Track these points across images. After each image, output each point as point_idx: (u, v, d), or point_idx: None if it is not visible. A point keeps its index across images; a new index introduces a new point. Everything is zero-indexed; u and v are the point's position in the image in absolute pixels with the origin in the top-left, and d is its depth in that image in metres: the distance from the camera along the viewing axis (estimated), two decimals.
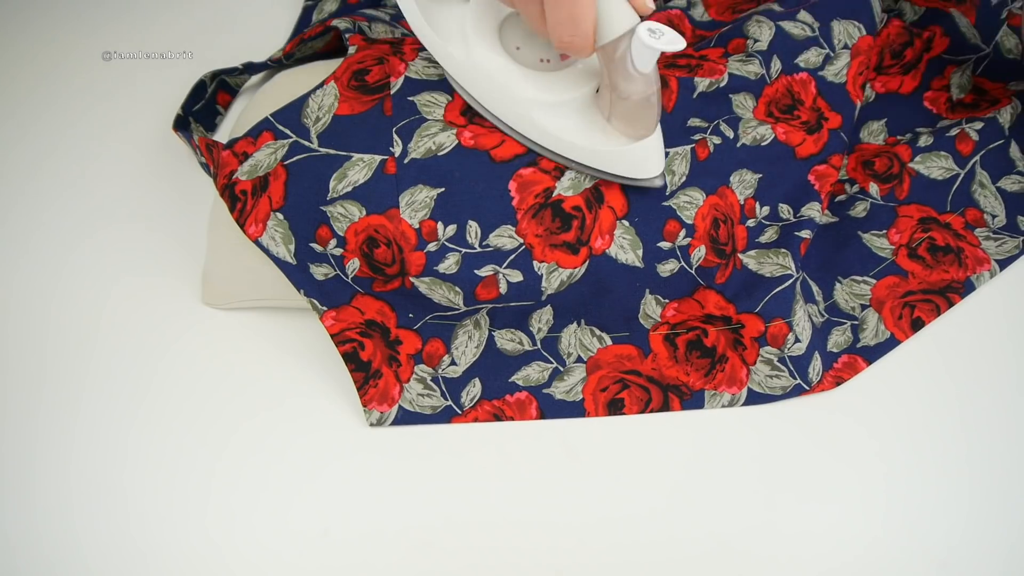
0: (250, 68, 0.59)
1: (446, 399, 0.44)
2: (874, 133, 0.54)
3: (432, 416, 0.44)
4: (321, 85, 0.44)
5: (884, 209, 0.50)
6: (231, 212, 0.44)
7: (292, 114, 0.44)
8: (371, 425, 0.44)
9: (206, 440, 0.43)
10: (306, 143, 0.43)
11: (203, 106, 0.57)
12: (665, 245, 0.44)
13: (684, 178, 0.44)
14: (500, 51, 0.41)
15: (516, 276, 0.43)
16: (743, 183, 0.47)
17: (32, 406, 0.45)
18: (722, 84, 0.47)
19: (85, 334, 0.48)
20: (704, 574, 0.39)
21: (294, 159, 0.43)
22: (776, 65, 0.49)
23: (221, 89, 0.59)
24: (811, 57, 0.50)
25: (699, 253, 0.44)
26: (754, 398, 0.45)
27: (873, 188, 0.51)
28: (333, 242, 0.42)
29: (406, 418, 0.44)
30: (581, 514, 0.41)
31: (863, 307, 0.48)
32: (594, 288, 0.44)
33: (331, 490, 0.42)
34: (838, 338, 0.47)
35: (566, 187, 0.42)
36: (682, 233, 0.44)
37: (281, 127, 0.44)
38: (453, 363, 0.45)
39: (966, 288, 0.48)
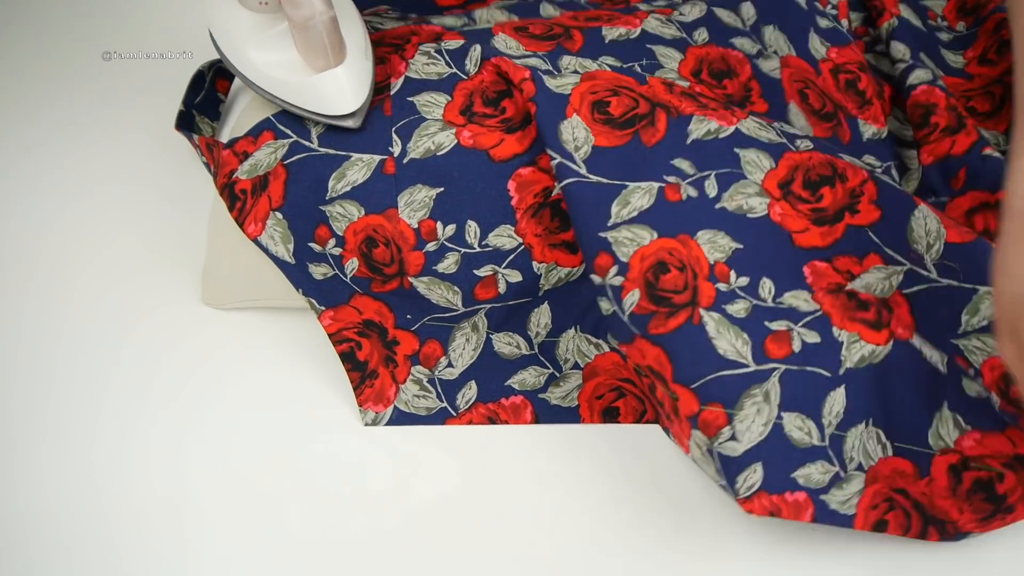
0: None
1: (442, 401, 0.44)
2: None
3: (427, 417, 0.44)
4: None
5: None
6: (230, 211, 0.44)
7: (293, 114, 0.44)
8: (366, 425, 0.44)
9: (203, 439, 0.43)
10: (306, 143, 0.43)
11: (204, 97, 0.57)
12: (596, 279, 0.39)
13: (636, 212, 0.39)
14: (235, 3, 0.43)
15: (515, 276, 0.43)
16: (714, 246, 0.39)
17: (31, 405, 0.45)
18: (635, 36, 0.44)
19: (84, 333, 0.47)
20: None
21: (294, 158, 0.43)
22: (702, 35, 0.45)
23: (219, 77, 0.59)
24: (746, 45, 0.46)
25: (632, 297, 0.38)
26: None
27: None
28: (332, 242, 0.42)
29: (401, 419, 0.44)
30: (576, 515, 0.41)
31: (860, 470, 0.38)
32: (592, 289, 0.43)
33: (327, 491, 0.42)
34: (837, 493, 0.36)
35: None
36: (613, 270, 0.39)
37: (282, 127, 0.44)
38: (450, 365, 0.45)
39: (956, 536, 0.37)
